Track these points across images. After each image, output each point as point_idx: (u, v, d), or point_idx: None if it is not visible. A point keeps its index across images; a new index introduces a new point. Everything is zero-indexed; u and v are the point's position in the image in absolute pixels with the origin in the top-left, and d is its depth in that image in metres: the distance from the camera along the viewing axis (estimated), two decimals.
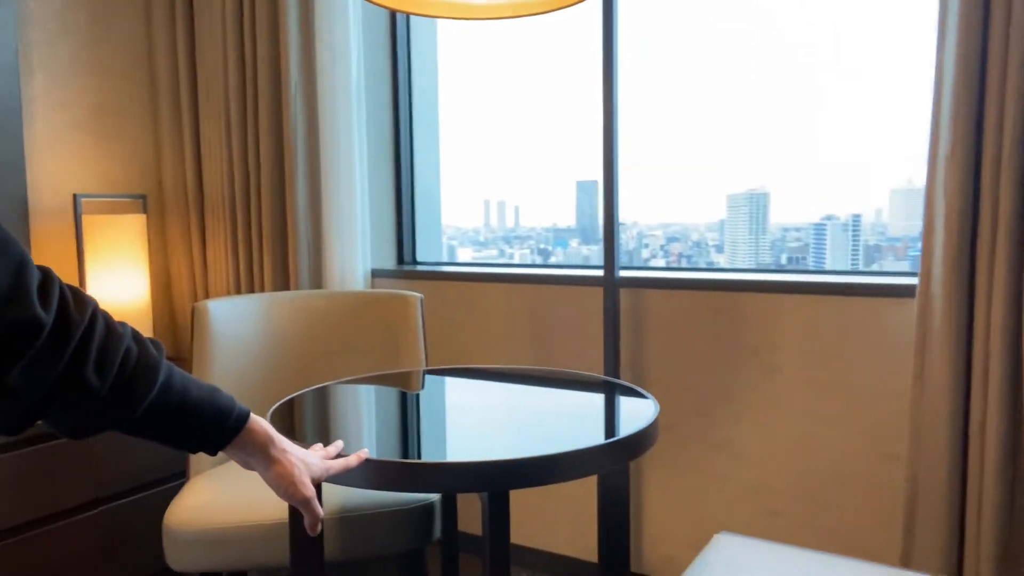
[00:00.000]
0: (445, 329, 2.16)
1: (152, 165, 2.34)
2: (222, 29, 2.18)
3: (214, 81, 2.22)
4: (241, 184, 2.21)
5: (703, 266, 2.11)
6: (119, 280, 2.01)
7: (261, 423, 0.82)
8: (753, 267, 2.03)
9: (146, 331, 2.08)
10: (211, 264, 2.29)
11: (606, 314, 1.86)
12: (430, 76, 2.50)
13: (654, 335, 1.87)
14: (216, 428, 0.77)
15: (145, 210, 2.11)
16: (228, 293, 2.27)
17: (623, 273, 1.93)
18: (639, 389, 1.41)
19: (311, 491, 0.84)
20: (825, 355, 1.68)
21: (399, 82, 2.39)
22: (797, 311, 1.71)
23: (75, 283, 2.10)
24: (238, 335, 1.73)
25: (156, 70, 2.32)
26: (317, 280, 2.22)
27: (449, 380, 1.57)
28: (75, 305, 0.62)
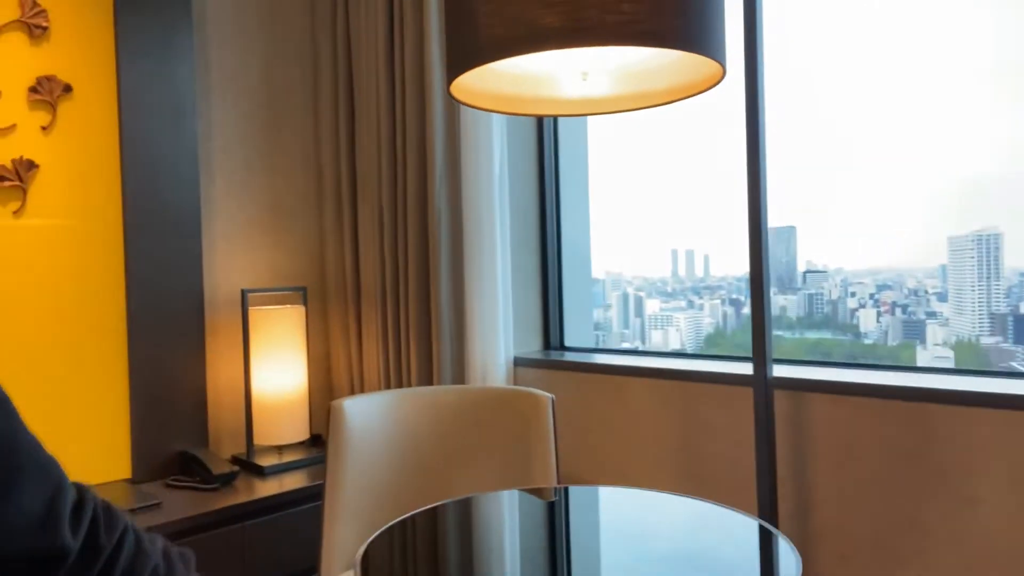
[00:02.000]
0: (586, 423, 2.03)
1: (316, 256, 2.49)
2: (376, 125, 2.29)
3: (370, 176, 2.32)
4: (391, 274, 2.27)
5: (885, 363, 1.82)
6: (281, 369, 2.13)
7: None
8: (951, 368, 1.71)
9: (303, 420, 2.17)
10: (365, 352, 2.36)
11: (757, 420, 1.63)
12: (579, 137, 2.46)
13: (819, 446, 1.61)
14: None
15: (305, 301, 2.23)
16: (378, 382, 2.32)
17: (778, 371, 1.70)
18: (778, 536, 1.20)
19: None
20: None
21: (544, 150, 2.36)
22: (1003, 430, 1.38)
23: (241, 372, 2.25)
24: (371, 433, 1.73)
25: (322, 168, 2.49)
26: (459, 370, 2.20)
27: (577, 507, 1.44)
28: (105, 527, 0.63)
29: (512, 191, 2.28)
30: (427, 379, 2.23)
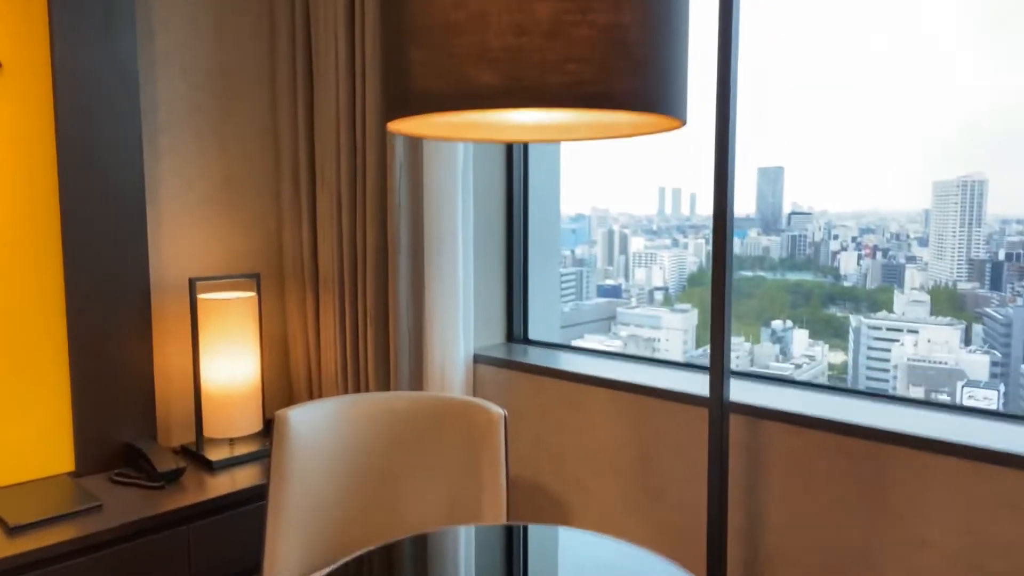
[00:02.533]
0: (544, 426, 1.99)
1: (273, 238, 2.39)
2: (336, 104, 2.16)
3: (328, 157, 2.21)
4: (349, 261, 2.19)
5: (837, 384, 1.80)
6: (232, 360, 2.06)
7: None
8: (919, 399, 1.67)
9: (256, 412, 2.11)
10: (323, 340, 2.29)
11: (711, 443, 1.60)
12: None
13: (773, 473, 1.59)
14: None
15: (259, 289, 2.14)
16: (335, 371, 2.26)
17: (736, 389, 1.66)
18: None
19: None
20: (989, 537, 1.32)
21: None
22: (958, 478, 1.35)
23: (190, 364, 2.17)
24: (316, 444, 1.68)
25: (279, 148, 2.36)
26: (417, 364, 2.15)
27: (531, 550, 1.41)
28: None
29: (477, 175, 2.18)
30: (384, 371, 2.17)
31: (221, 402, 2.07)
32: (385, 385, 2.18)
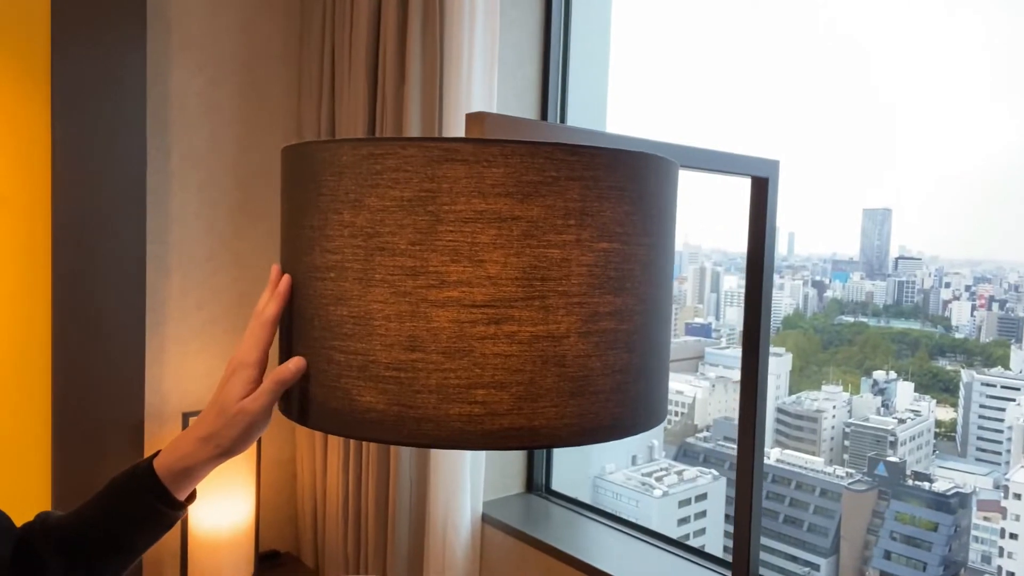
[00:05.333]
0: None
1: None
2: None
3: None
4: None
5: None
6: (223, 505, 1.91)
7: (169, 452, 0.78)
8: None
9: (246, 562, 1.96)
10: (329, 466, 2.13)
11: None
12: None
13: None
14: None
15: None
16: (337, 507, 2.08)
17: None
18: None
19: (262, 401, 0.72)
20: None
21: None
22: None
23: None
24: None
25: None
26: (419, 515, 1.94)
27: None
28: None
29: None
30: (383, 510, 1.97)
31: (209, 546, 1.92)
32: (384, 535, 1.98)
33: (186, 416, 1.90)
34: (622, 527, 1.87)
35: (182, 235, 2.03)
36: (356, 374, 0.63)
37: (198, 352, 2.07)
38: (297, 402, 0.69)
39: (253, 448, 1.95)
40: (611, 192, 0.63)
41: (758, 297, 1.12)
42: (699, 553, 1.71)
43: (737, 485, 1.16)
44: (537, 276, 0.61)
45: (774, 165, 1.11)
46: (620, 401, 0.65)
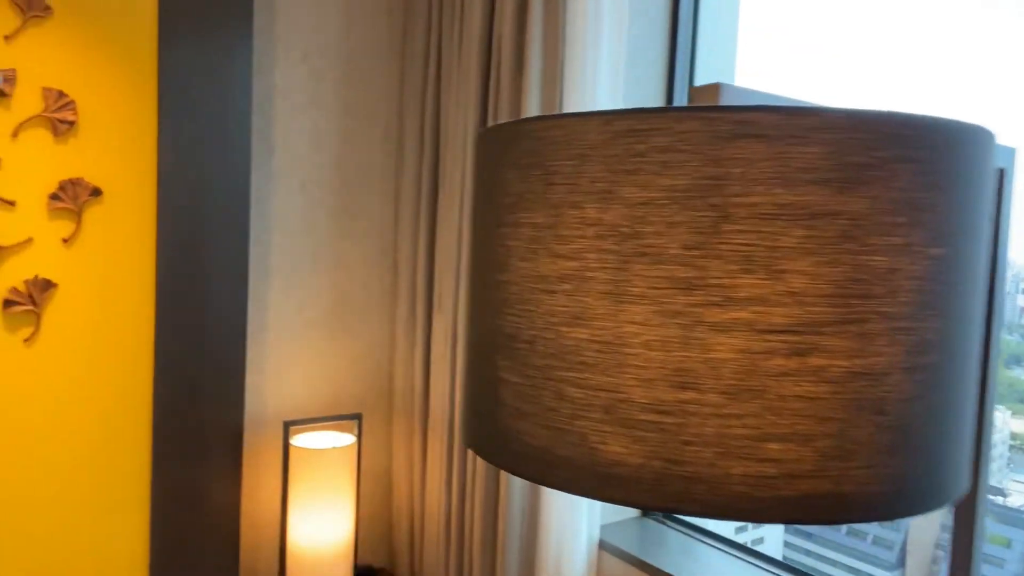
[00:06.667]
0: None
1: (385, 366, 2.14)
2: (459, 227, 1.89)
3: (447, 280, 1.94)
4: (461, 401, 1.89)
5: None
6: (322, 520, 1.81)
7: None
8: None
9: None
10: (428, 491, 2.01)
11: None
12: None
13: None
14: None
15: (359, 431, 1.89)
16: (438, 527, 1.96)
17: None
18: None
19: None
20: None
21: None
22: None
23: (280, 519, 1.96)
24: None
25: (398, 266, 2.13)
26: (531, 540, 1.80)
27: None
28: None
29: None
30: (491, 531, 1.84)
31: (308, 562, 1.82)
32: (491, 557, 1.85)
33: (287, 425, 1.81)
34: (742, 554, 1.70)
35: (283, 235, 1.94)
36: (599, 416, 0.48)
37: (297, 357, 1.98)
38: (498, 441, 0.55)
39: (352, 460, 1.85)
40: (945, 180, 0.47)
41: (990, 305, 0.93)
42: None
43: (955, 518, 0.98)
44: (856, 293, 0.45)
45: (1009, 153, 0.93)
46: (942, 460, 0.49)
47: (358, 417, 1.91)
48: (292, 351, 1.98)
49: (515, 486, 1.77)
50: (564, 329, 0.50)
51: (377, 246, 2.10)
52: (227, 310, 1.80)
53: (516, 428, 0.53)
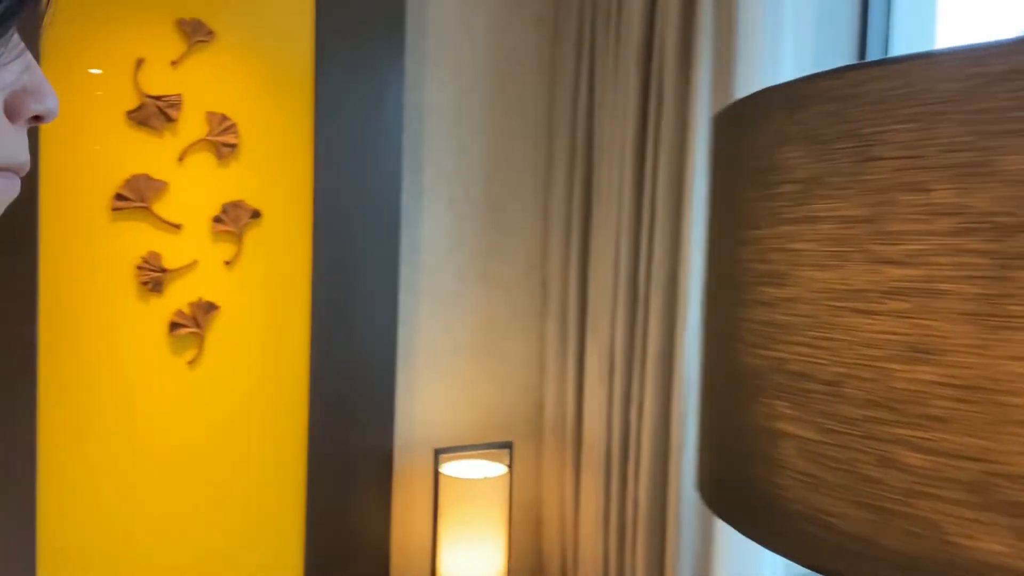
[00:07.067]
0: None
1: (534, 390, 2.03)
2: (616, 244, 1.76)
3: (603, 298, 1.81)
4: (620, 430, 1.75)
5: None
6: (473, 554, 1.71)
7: None
8: None
9: None
10: (582, 525, 1.87)
11: None
12: None
13: None
14: None
15: (511, 461, 1.79)
16: (595, 558, 1.82)
17: None
18: None
19: None
20: None
21: None
22: None
23: (429, 538, 1.88)
24: None
25: (546, 284, 2.02)
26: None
27: None
28: None
29: None
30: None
31: None
32: None
33: (437, 453, 1.73)
34: None
35: (432, 255, 1.89)
36: (960, 496, 0.33)
37: (445, 379, 1.91)
38: (773, 515, 0.41)
39: (504, 491, 1.74)
40: None
41: None
42: None
43: None
44: None
45: None
46: None
47: (509, 445, 1.81)
48: (439, 373, 1.91)
49: (685, 527, 1.59)
50: (894, 367, 0.35)
51: (525, 264, 2.01)
52: (379, 332, 1.76)
53: (807, 501, 0.39)
